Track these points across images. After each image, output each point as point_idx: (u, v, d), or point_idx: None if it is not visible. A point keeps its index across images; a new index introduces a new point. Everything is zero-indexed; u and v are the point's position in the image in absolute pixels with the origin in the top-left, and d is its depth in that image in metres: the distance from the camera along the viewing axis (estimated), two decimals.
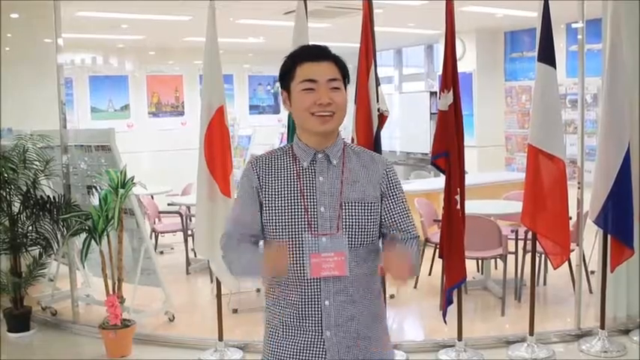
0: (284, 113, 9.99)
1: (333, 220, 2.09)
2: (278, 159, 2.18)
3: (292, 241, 2.08)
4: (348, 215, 2.10)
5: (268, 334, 2.20)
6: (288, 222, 2.09)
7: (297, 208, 2.09)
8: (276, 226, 2.11)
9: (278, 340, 2.15)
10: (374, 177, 2.17)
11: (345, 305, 2.10)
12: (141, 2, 7.31)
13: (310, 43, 4.43)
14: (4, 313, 5.50)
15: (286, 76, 2.15)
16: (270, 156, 2.20)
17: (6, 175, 5.40)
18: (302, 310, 2.10)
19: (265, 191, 2.14)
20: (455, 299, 4.64)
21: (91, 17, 7.97)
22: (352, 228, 2.10)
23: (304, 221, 2.08)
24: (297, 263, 2.07)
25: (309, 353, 2.10)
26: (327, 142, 2.15)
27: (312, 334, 2.10)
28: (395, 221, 2.18)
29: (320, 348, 2.09)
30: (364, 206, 2.12)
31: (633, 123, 4.84)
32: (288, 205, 2.10)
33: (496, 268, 6.34)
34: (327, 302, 2.08)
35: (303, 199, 2.10)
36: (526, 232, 5.40)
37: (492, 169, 10.32)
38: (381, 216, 2.17)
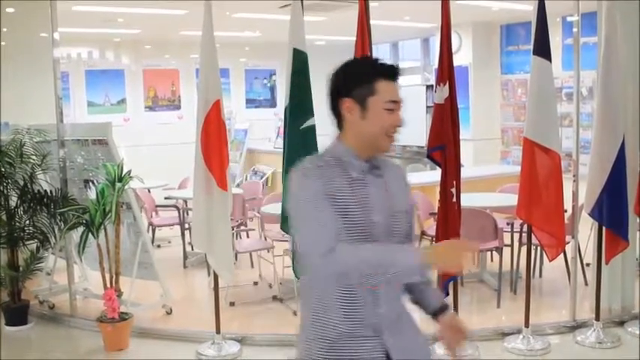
0: (280, 107, 9.99)
1: (386, 228, 2.09)
2: (328, 168, 2.08)
3: None
4: (399, 224, 2.14)
5: (325, 348, 2.10)
6: (349, 230, 2.04)
7: (354, 217, 2.05)
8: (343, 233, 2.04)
9: (339, 352, 2.08)
10: (406, 187, 2.25)
11: (397, 308, 2.16)
12: None
13: (302, 42, 4.48)
14: (1, 306, 5.50)
15: (361, 86, 2.08)
16: (320, 165, 2.09)
17: (3, 169, 5.40)
18: (363, 318, 2.07)
19: (331, 198, 2.05)
20: (451, 291, 4.67)
21: (87, 11, 7.97)
22: (402, 236, 2.15)
23: (360, 230, 2.05)
24: None
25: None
26: (380, 154, 2.20)
27: (373, 340, 2.09)
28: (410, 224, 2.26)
29: (381, 352, 2.09)
30: (408, 214, 2.20)
31: (628, 116, 4.86)
32: (347, 214, 2.04)
33: (492, 260, 6.35)
34: (384, 307, 2.09)
35: (358, 208, 2.05)
36: (522, 225, 5.42)
37: (488, 162, 10.34)
38: None
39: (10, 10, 6.49)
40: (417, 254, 2.08)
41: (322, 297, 2.09)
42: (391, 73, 2.12)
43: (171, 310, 5.62)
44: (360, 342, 2.07)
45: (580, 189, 5.12)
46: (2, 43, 6.44)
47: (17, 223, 5.47)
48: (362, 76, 2.10)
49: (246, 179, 10.45)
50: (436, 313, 2.26)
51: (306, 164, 2.12)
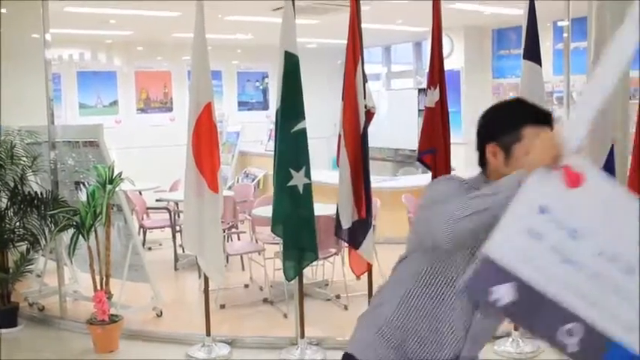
0: (272, 110, 9.99)
1: None
2: (469, 188, 2.02)
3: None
4: None
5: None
6: None
7: None
8: None
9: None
10: None
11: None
12: None
13: (293, 45, 4.49)
14: None
15: (507, 132, 2.01)
16: (463, 182, 2.08)
17: None
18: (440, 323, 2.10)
19: None
20: None
21: (79, 13, 7.95)
22: None
23: None
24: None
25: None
26: None
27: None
28: None
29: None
30: None
31: (617, 122, 4.89)
32: None
33: None
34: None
35: None
36: None
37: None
38: None
39: (2, 10, 6.47)
40: (514, 175, 1.84)
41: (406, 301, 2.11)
42: (541, 118, 2.01)
43: (161, 313, 5.61)
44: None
45: None
46: None
47: (7, 225, 5.45)
48: (508, 122, 2.02)
49: (237, 182, 10.45)
50: None
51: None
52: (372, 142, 5.03)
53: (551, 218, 1.69)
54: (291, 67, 4.51)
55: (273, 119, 4.78)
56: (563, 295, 1.67)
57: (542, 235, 1.68)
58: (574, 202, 1.70)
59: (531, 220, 1.69)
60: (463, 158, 10.30)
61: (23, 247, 5.57)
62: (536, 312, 1.69)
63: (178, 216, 7.46)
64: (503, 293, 1.67)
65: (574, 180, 1.69)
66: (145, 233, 7.81)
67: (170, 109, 11.92)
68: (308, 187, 4.49)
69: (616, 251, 1.68)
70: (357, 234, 4.59)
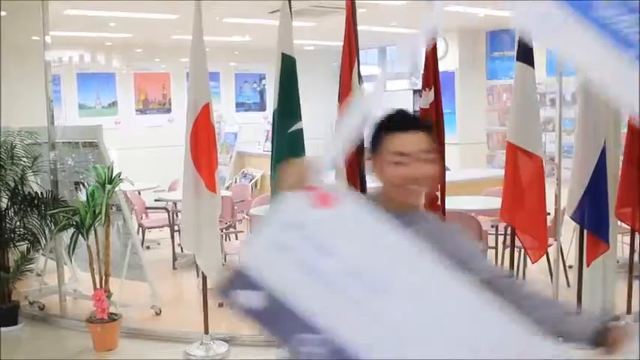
0: (270, 110, 10.01)
1: None
2: None
3: None
4: None
5: None
6: None
7: None
8: None
9: None
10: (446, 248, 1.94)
11: None
12: (128, 1, 7.31)
13: (290, 47, 4.50)
14: None
15: (375, 142, 2.00)
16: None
17: None
18: None
19: None
20: None
21: (79, 15, 7.96)
22: None
23: None
24: None
25: None
26: (410, 208, 2.01)
27: None
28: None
29: None
30: None
31: (609, 122, 4.90)
32: None
33: None
34: None
35: None
36: (506, 228, 5.45)
37: (474, 166, 10.39)
38: None
39: (2, 13, 6.48)
40: None
41: None
42: (403, 123, 1.98)
43: (160, 311, 5.61)
44: None
45: (562, 192, 5.16)
46: None
47: (8, 225, 5.46)
48: (374, 132, 2.02)
49: (235, 182, 10.45)
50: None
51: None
52: (368, 142, 5.03)
53: (298, 234, 1.78)
54: (288, 69, 4.52)
55: (270, 120, 4.79)
56: (304, 305, 1.74)
57: (289, 249, 1.78)
58: (321, 220, 1.78)
59: (279, 235, 1.79)
60: (458, 158, 10.35)
61: (23, 246, 5.57)
62: (277, 318, 1.78)
63: (177, 215, 7.47)
64: (250, 299, 1.80)
65: (324, 201, 1.79)
66: (143, 233, 7.80)
67: (168, 110, 11.93)
68: None
69: (361, 269, 1.74)
70: None
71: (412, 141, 1.94)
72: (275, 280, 1.77)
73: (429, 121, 2.04)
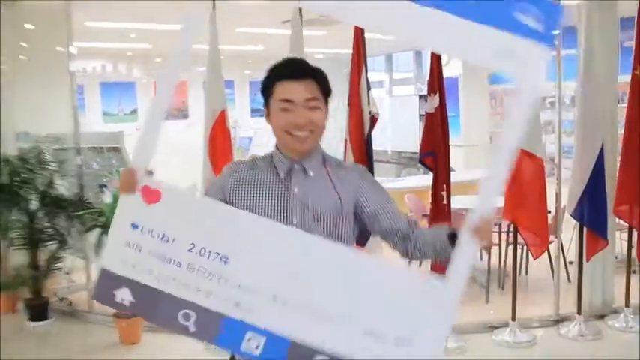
0: None
1: (305, 231, 1.93)
2: (258, 166, 2.08)
3: None
4: (322, 227, 1.99)
5: None
6: None
7: (268, 217, 1.98)
8: None
9: None
10: (349, 189, 2.04)
11: None
12: (148, 13, 7.35)
13: (300, 55, 4.52)
14: (24, 303, 5.54)
15: (266, 91, 2.04)
16: (251, 163, 2.10)
17: (24, 175, 5.44)
18: None
19: (234, 198, 2.04)
20: None
21: (102, 27, 8.02)
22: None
23: None
24: None
25: None
26: (304, 155, 2.03)
27: None
28: (389, 211, 2.05)
29: None
30: (338, 219, 2.01)
31: (607, 124, 4.91)
32: (258, 213, 1.98)
33: (481, 259, 6.38)
34: None
35: (276, 209, 1.99)
36: (508, 226, 5.45)
37: (478, 167, 10.37)
38: (371, 215, 2.04)
39: (29, 26, 6.54)
40: None
41: None
42: (290, 71, 2.01)
43: None
44: None
45: (562, 192, 5.16)
46: (23, 58, 6.49)
47: (38, 226, 5.50)
48: (265, 82, 2.05)
49: None
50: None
51: (235, 162, 2.20)
52: (377, 145, 5.05)
53: (143, 231, 1.95)
54: None
55: None
56: (173, 287, 1.91)
57: (140, 245, 1.94)
58: (158, 214, 1.94)
59: (128, 235, 1.95)
60: (462, 160, 10.34)
61: (53, 246, 5.60)
62: (155, 305, 1.93)
63: None
64: (123, 296, 1.95)
65: (152, 197, 1.96)
66: None
67: (186, 117, 11.99)
68: None
69: (206, 246, 1.91)
70: None
71: (299, 89, 1.97)
72: (144, 273, 1.93)
73: (319, 70, 2.01)
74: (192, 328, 1.93)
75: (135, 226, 1.96)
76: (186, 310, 1.92)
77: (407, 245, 2.05)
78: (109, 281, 1.97)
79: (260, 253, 1.89)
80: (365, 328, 1.82)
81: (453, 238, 1.92)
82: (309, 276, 1.86)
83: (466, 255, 1.84)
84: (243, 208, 2.00)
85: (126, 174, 1.96)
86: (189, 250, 1.91)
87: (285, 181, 2.02)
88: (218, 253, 1.90)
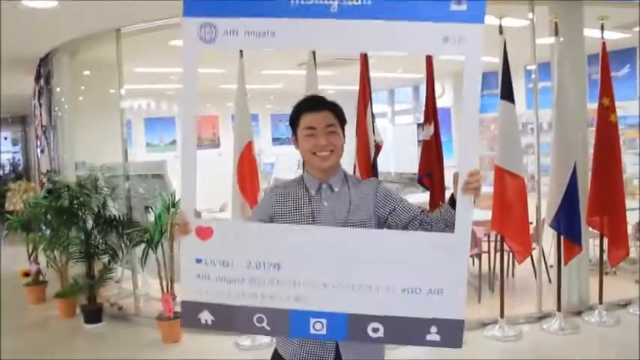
0: None
1: None
2: (292, 188, 2.17)
3: None
4: None
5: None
6: None
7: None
8: None
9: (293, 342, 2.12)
10: (368, 200, 2.13)
11: None
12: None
13: (315, 92, 4.54)
14: (81, 308, 5.58)
15: (293, 123, 2.18)
16: (284, 186, 2.20)
17: (82, 199, 5.50)
18: None
19: (278, 214, 2.12)
20: None
21: (147, 72, 8.13)
22: None
23: None
24: None
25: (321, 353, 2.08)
26: (329, 174, 2.14)
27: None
28: (404, 206, 2.14)
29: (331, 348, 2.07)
30: (364, 227, 2.09)
31: (578, 146, 4.89)
32: (297, 223, 2.08)
33: (473, 264, 6.34)
34: None
35: (311, 218, 2.08)
36: (496, 235, 5.43)
37: None
38: (392, 212, 2.13)
39: (86, 72, 6.65)
40: None
41: None
42: (311, 105, 2.15)
43: None
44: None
45: (542, 205, 5.13)
46: (81, 99, 6.59)
47: (92, 242, 5.55)
48: (292, 116, 2.18)
49: None
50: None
51: (273, 185, 2.30)
52: (381, 167, 5.06)
53: (206, 262, 2.03)
54: None
55: None
56: (243, 300, 2.01)
57: (207, 274, 2.03)
58: (214, 246, 2.02)
59: (195, 269, 2.03)
60: None
61: (105, 259, 5.64)
62: (232, 318, 2.04)
63: None
64: (206, 317, 2.05)
65: (205, 234, 2.04)
66: None
67: (218, 146, 12.07)
68: None
69: (260, 260, 2.00)
70: None
71: (319, 118, 2.10)
72: (217, 295, 2.03)
73: (334, 103, 2.16)
74: (267, 328, 2.02)
75: (198, 260, 2.03)
76: (259, 315, 2.01)
77: (425, 228, 2.13)
78: (190, 309, 2.06)
79: (303, 253, 1.98)
80: (402, 287, 1.95)
81: (454, 204, 2.02)
82: (347, 260, 1.96)
83: (465, 207, 1.96)
84: (285, 220, 2.10)
85: (179, 220, 2.05)
86: (247, 267, 2.00)
87: (317, 196, 2.13)
88: (270, 263, 1.99)
